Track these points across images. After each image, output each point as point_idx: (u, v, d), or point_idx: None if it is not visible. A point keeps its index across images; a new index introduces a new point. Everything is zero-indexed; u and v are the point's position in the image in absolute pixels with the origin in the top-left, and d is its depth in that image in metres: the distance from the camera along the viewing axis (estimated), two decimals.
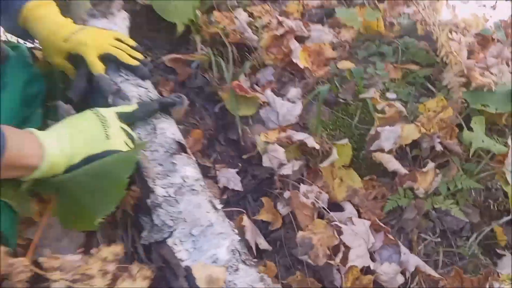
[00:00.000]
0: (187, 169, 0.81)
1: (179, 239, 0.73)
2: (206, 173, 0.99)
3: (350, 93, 1.05)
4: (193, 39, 1.22)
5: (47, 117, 0.96)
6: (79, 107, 1.01)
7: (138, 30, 1.25)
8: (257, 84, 1.14)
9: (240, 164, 1.01)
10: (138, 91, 0.91)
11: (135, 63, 0.94)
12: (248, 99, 1.07)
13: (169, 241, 0.73)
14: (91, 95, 0.93)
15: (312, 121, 1.02)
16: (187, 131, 1.05)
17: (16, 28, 0.93)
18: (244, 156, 1.02)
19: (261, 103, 1.07)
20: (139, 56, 0.96)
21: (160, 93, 1.13)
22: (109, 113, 0.78)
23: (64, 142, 0.70)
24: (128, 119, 0.81)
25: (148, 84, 0.96)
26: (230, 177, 0.98)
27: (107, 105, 0.85)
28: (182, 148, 0.85)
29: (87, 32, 0.91)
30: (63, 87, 1.00)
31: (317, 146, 0.92)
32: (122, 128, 0.77)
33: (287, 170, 0.90)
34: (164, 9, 1.22)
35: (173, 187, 0.77)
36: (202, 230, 0.73)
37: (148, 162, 0.79)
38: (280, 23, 1.19)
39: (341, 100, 1.06)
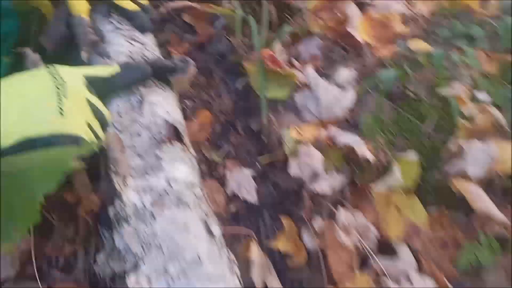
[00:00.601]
0: (178, 167, 0.55)
1: (147, 277, 0.48)
2: (211, 170, 0.74)
3: (424, 86, 0.76)
4: None
5: (17, 68, 0.73)
6: (54, 60, 0.78)
7: None
8: (296, 59, 0.86)
9: (258, 166, 0.75)
10: (130, 47, 0.65)
11: (133, 7, 0.68)
12: (281, 77, 0.80)
13: (132, 278, 0.48)
14: (70, 45, 0.68)
15: (366, 119, 0.73)
16: (194, 109, 0.79)
17: None
18: (264, 159, 0.75)
19: (298, 84, 0.80)
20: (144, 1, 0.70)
21: (169, 55, 0.87)
22: (73, 75, 0.52)
23: None
24: (103, 88, 0.55)
25: (147, 39, 0.70)
26: (242, 182, 0.72)
27: (79, 63, 0.60)
28: (176, 135, 0.59)
29: None
30: (37, 29, 0.75)
31: (371, 157, 0.65)
32: (88, 100, 0.52)
33: (322, 186, 0.63)
34: None
35: (151, 194, 0.52)
36: (183, 268, 0.48)
37: (121, 150, 0.54)
38: None
39: (410, 95, 0.76)
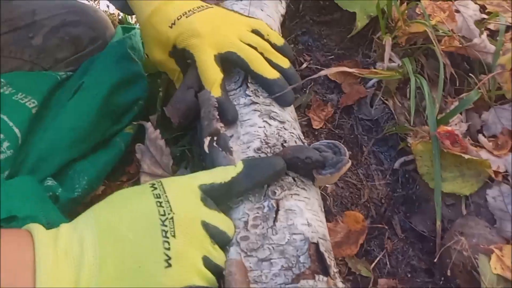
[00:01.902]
0: None
1: None
2: None
3: None
4: (379, 42, 0.76)
5: (138, 140, 0.65)
6: (179, 136, 0.68)
7: (296, 19, 0.86)
8: (484, 135, 0.62)
9: None
10: (266, 129, 0.51)
11: (273, 75, 0.54)
12: (464, 163, 0.58)
13: None
14: (198, 120, 0.57)
15: None
16: (337, 202, 0.62)
17: (124, 5, 0.64)
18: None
19: (492, 175, 0.56)
20: (285, 63, 0.57)
21: (309, 124, 0.72)
22: (186, 192, 0.41)
23: (86, 267, 0.36)
24: (224, 195, 0.43)
25: (286, 113, 0.55)
26: None
27: (203, 158, 0.48)
28: (319, 263, 0.42)
29: (207, 15, 0.56)
30: (162, 97, 0.68)
31: None
32: (205, 225, 0.40)
33: None
34: None
35: None
36: None
37: (244, 284, 0.39)
38: None
39: None
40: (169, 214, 0.38)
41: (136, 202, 0.39)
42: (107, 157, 0.62)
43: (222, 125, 0.50)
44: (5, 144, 0.55)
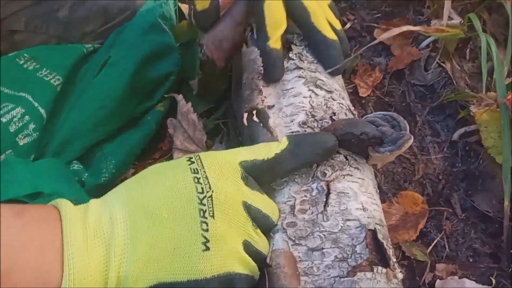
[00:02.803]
0: None
1: None
2: (415, 277, 0.50)
3: None
4: None
5: (170, 116, 0.61)
6: (213, 108, 0.64)
7: None
8: None
9: (491, 280, 0.48)
10: (313, 99, 0.46)
11: (333, 36, 0.49)
12: None
13: None
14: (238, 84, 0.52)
15: None
16: (390, 180, 0.56)
17: None
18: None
19: None
20: (338, 24, 0.51)
21: (356, 92, 0.65)
22: (225, 168, 0.37)
23: (117, 247, 0.33)
24: (267, 173, 0.39)
25: (334, 81, 0.49)
26: None
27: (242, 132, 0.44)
28: (377, 253, 0.38)
29: None
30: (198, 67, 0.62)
31: None
32: (246, 206, 0.36)
33: None
34: None
35: None
36: None
37: (292, 276, 0.36)
38: None
39: None
40: (207, 192, 0.34)
41: (172, 177, 0.35)
42: (136, 138, 0.58)
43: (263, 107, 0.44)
44: (31, 126, 0.53)
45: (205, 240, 0.33)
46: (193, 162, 0.36)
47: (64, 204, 0.34)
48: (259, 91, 0.44)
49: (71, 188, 0.47)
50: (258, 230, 0.37)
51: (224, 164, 0.37)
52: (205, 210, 0.34)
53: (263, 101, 0.44)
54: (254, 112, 0.44)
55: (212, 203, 0.34)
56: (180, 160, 0.37)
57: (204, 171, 0.35)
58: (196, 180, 0.35)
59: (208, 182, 0.35)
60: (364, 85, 0.65)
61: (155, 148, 0.63)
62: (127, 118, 0.59)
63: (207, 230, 0.33)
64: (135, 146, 0.59)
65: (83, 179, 0.53)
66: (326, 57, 0.48)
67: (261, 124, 0.42)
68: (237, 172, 0.37)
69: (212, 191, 0.34)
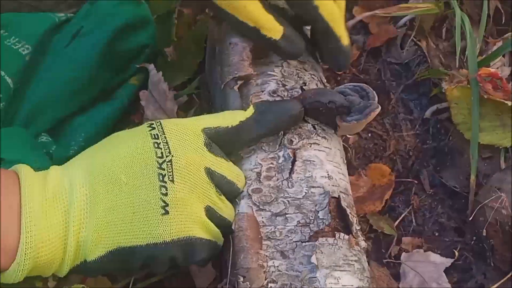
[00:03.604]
0: (341, 281, 0.35)
1: None
2: (381, 251, 0.51)
3: None
4: None
5: (143, 88, 0.60)
6: (187, 80, 0.63)
7: None
8: None
9: (456, 252, 0.50)
10: (285, 69, 0.46)
11: (348, 40, 0.47)
12: (507, 111, 0.52)
13: None
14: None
15: None
16: (361, 152, 0.57)
17: None
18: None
19: None
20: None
21: (332, 70, 0.65)
22: (187, 135, 0.36)
23: (76, 211, 0.33)
24: (233, 140, 0.39)
25: (307, 54, 0.49)
26: (429, 276, 0.48)
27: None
28: (341, 220, 0.38)
29: None
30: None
31: None
32: (209, 172, 0.36)
33: None
34: None
35: None
36: None
37: (255, 240, 0.36)
38: None
39: None
40: (167, 156, 0.34)
41: (132, 143, 0.35)
42: (107, 111, 0.57)
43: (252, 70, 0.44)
44: None
45: (164, 204, 0.33)
46: (153, 128, 0.36)
47: (24, 169, 0.34)
48: (250, 62, 0.44)
49: (34, 156, 0.46)
50: (223, 197, 0.37)
51: (186, 130, 0.37)
52: (164, 175, 0.34)
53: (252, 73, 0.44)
54: (240, 82, 0.44)
55: (172, 168, 0.34)
56: (141, 126, 0.37)
57: (165, 137, 0.35)
58: (156, 145, 0.35)
59: (169, 147, 0.35)
60: None
61: (128, 121, 0.62)
62: (99, 91, 0.58)
63: (166, 195, 0.33)
64: (106, 119, 0.57)
65: (51, 151, 0.52)
66: (336, 61, 0.48)
67: (239, 95, 0.42)
68: (200, 138, 0.37)
69: (172, 156, 0.34)
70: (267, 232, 0.37)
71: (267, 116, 0.39)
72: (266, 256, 0.36)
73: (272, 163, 0.40)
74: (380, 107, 0.41)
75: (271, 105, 0.41)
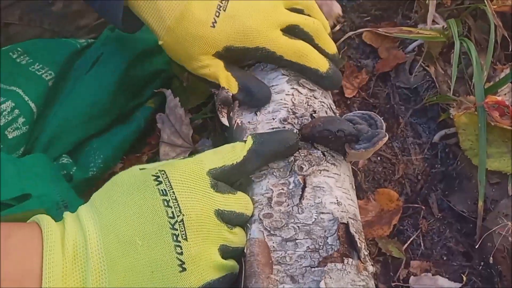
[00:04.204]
0: None
1: None
2: (389, 274, 0.52)
3: None
4: (422, 1, 0.70)
5: (159, 111, 0.63)
6: (202, 104, 0.65)
7: None
8: None
9: (463, 277, 0.50)
10: (295, 96, 0.48)
11: (325, 66, 0.49)
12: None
13: None
14: None
15: None
16: (369, 177, 0.58)
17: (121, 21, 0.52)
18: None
19: None
20: (332, 48, 0.52)
21: (342, 92, 0.67)
22: (193, 182, 0.38)
23: (94, 273, 0.34)
24: (237, 175, 0.41)
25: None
26: None
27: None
28: (350, 245, 0.39)
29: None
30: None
31: None
32: (218, 214, 0.38)
33: None
34: None
35: None
36: None
37: (265, 265, 0.37)
38: None
39: None
40: (178, 216, 0.36)
41: (140, 201, 0.36)
42: (125, 134, 0.60)
43: (231, 99, 0.47)
44: (21, 120, 0.54)
45: (180, 263, 0.35)
46: (160, 182, 0.37)
47: (47, 225, 0.34)
48: (224, 88, 0.48)
49: (58, 187, 0.48)
50: (234, 229, 0.39)
51: (192, 178, 0.38)
52: (178, 235, 0.35)
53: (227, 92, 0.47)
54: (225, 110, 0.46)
55: (184, 227, 0.35)
56: (146, 178, 0.38)
57: (173, 192, 0.36)
58: (166, 204, 0.36)
59: (178, 205, 0.36)
60: (350, 86, 0.67)
61: (144, 143, 0.65)
62: (117, 114, 0.61)
63: (181, 254, 0.35)
64: (123, 141, 0.61)
65: (71, 173, 0.55)
66: (323, 86, 0.50)
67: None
68: (206, 181, 0.38)
69: (183, 215, 0.36)
70: (278, 257, 0.38)
71: (265, 148, 0.41)
72: (277, 280, 0.37)
73: (282, 189, 0.41)
74: (387, 136, 0.42)
75: (269, 136, 0.42)
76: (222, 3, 0.48)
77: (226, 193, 0.39)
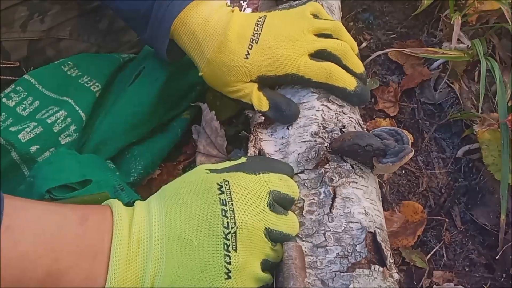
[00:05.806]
0: None
1: None
2: (413, 283, 0.54)
3: None
4: (447, 21, 0.72)
5: (195, 122, 0.67)
6: (235, 115, 0.69)
7: None
8: None
9: (486, 286, 0.52)
10: (325, 112, 0.51)
11: (353, 85, 0.52)
12: None
13: None
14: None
15: None
16: (394, 190, 0.61)
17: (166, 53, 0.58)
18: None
19: None
20: (360, 67, 0.53)
21: (374, 107, 0.70)
22: (252, 198, 0.41)
23: (154, 262, 0.38)
24: (290, 206, 0.44)
25: None
26: None
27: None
28: (376, 253, 0.42)
29: (272, 32, 0.53)
30: None
31: None
32: (267, 236, 0.40)
33: None
34: None
35: None
36: None
37: (301, 268, 0.40)
38: None
39: None
40: (232, 227, 0.39)
41: (202, 205, 0.40)
42: (163, 142, 0.64)
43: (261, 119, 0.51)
44: (72, 128, 0.59)
45: (227, 271, 0.38)
46: (222, 192, 0.40)
47: (117, 210, 0.39)
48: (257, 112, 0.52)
49: (114, 175, 0.53)
50: (277, 247, 0.41)
51: (252, 194, 0.41)
52: (229, 245, 0.38)
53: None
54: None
55: (236, 239, 0.38)
56: (211, 185, 0.41)
57: (232, 204, 0.39)
58: (223, 213, 0.39)
59: (234, 216, 0.39)
60: (380, 100, 0.70)
61: (180, 151, 0.69)
62: (156, 124, 0.66)
63: (229, 263, 0.38)
64: (161, 149, 0.65)
65: None
66: (351, 103, 0.53)
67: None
68: (264, 200, 0.41)
69: (237, 228, 0.39)
70: (309, 261, 0.41)
71: (262, 166, 0.44)
72: (309, 283, 0.40)
73: (314, 199, 0.45)
74: (413, 151, 0.45)
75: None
76: (255, 36, 0.52)
77: (280, 213, 0.41)
